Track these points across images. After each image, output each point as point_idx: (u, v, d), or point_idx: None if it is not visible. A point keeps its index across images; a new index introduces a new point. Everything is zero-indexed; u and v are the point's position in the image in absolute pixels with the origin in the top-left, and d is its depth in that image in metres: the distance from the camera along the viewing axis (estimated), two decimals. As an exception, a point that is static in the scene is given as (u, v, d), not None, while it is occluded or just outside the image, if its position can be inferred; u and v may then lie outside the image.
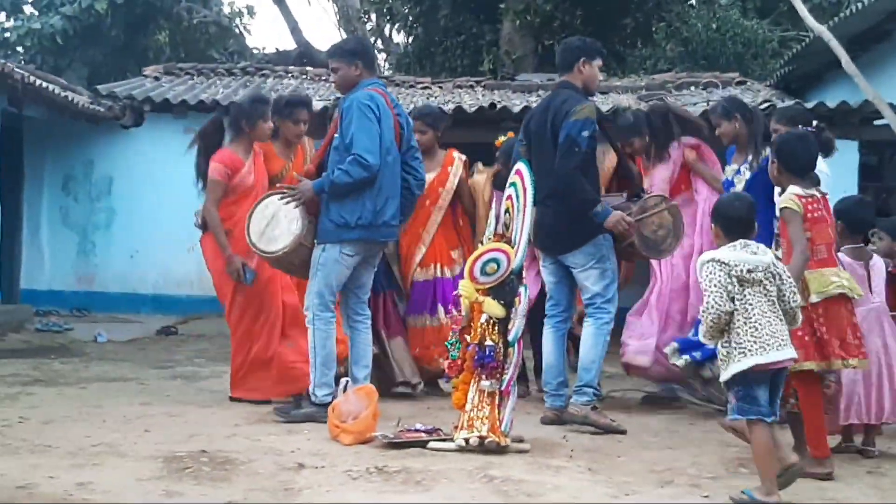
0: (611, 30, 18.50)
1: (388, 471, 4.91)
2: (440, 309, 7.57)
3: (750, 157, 6.91)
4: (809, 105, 11.08)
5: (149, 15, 20.12)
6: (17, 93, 11.67)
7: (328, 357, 6.35)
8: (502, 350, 5.56)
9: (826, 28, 9.79)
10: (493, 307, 5.57)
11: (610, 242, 6.44)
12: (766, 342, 4.61)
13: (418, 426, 5.77)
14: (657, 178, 7.42)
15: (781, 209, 5.30)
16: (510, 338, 5.58)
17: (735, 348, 4.65)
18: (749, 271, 4.66)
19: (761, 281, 4.68)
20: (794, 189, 5.30)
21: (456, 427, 5.55)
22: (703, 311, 4.72)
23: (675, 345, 6.83)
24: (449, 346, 5.77)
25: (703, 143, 7.60)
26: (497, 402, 5.51)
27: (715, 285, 4.65)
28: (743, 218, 4.88)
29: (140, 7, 19.37)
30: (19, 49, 18.79)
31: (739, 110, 7.12)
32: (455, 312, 5.88)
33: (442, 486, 4.66)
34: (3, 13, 19.72)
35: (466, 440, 5.40)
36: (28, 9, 19.62)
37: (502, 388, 5.54)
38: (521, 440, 5.59)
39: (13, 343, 10.57)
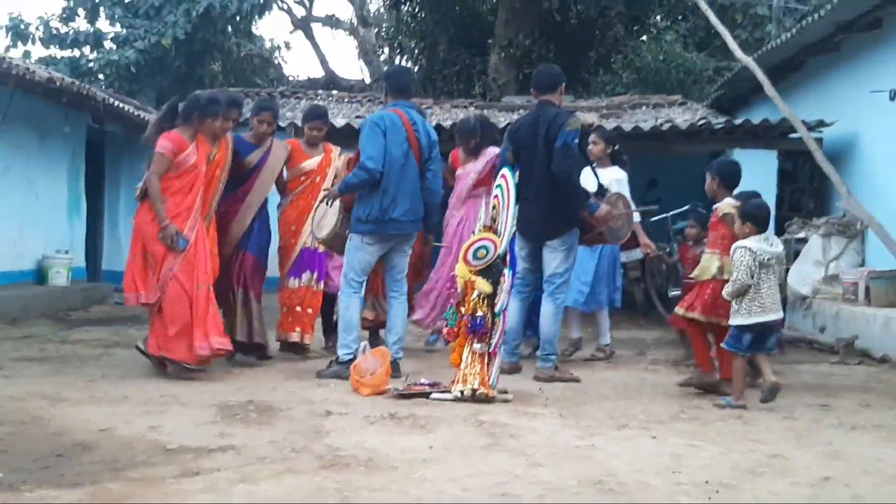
0: (578, 60, 18.47)
1: (398, 417, 4.93)
2: (315, 274, 7.24)
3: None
4: (738, 121, 11.09)
5: (205, 49, 20.04)
6: (99, 112, 11.66)
7: (348, 323, 6.31)
8: (490, 319, 5.55)
9: (751, 59, 9.77)
10: (483, 285, 5.56)
11: (577, 236, 6.47)
12: (767, 307, 5.55)
13: (422, 381, 5.77)
14: (470, 168, 7.79)
15: (724, 214, 5.98)
16: (496, 309, 5.57)
17: (745, 308, 5.55)
18: (767, 259, 5.55)
19: (773, 265, 5.62)
20: (728, 200, 6.03)
21: (453, 381, 5.55)
22: (732, 282, 5.56)
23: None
24: (447, 317, 5.77)
25: None
26: (486, 361, 5.51)
27: (744, 265, 5.52)
28: (767, 218, 5.73)
29: (198, 43, 19.30)
30: (100, 77, 18.73)
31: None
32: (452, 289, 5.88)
33: (442, 429, 4.68)
34: (88, 47, 19.66)
35: (461, 392, 5.41)
36: (108, 44, 19.55)
37: (490, 350, 5.53)
38: (505, 392, 5.59)
39: (97, 314, 10.58)
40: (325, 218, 6.75)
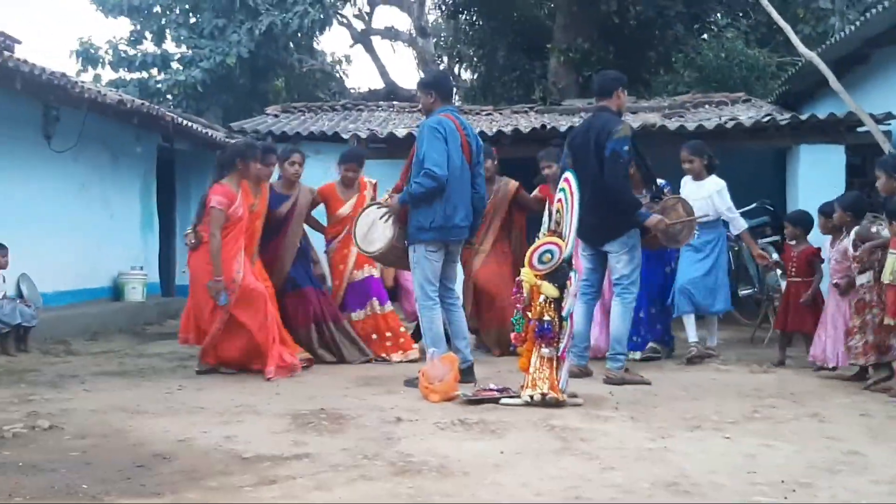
0: (638, 61, 18.31)
1: (468, 422, 4.92)
2: (373, 301, 7.64)
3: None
4: (804, 117, 10.87)
5: (269, 66, 20.37)
6: (168, 131, 11.92)
7: (436, 336, 6.26)
8: (558, 323, 5.52)
9: (815, 54, 9.59)
10: (550, 289, 5.53)
11: (638, 235, 6.41)
12: None
13: (492, 386, 5.76)
14: None
15: None
16: (564, 313, 5.53)
17: None
18: None
19: None
20: None
21: (522, 386, 5.53)
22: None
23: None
24: (514, 322, 5.74)
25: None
26: (555, 365, 5.48)
27: None
28: None
29: (262, 60, 19.61)
30: (168, 97, 19.14)
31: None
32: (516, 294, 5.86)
33: (512, 434, 4.66)
34: (155, 69, 20.10)
35: (531, 397, 5.40)
36: (175, 64, 19.97)
37: (559, 354, 5.50)
38: (575, 396, 5.56)
39: (171, 328, 10.74)
40: (373, 230, 6.55)
